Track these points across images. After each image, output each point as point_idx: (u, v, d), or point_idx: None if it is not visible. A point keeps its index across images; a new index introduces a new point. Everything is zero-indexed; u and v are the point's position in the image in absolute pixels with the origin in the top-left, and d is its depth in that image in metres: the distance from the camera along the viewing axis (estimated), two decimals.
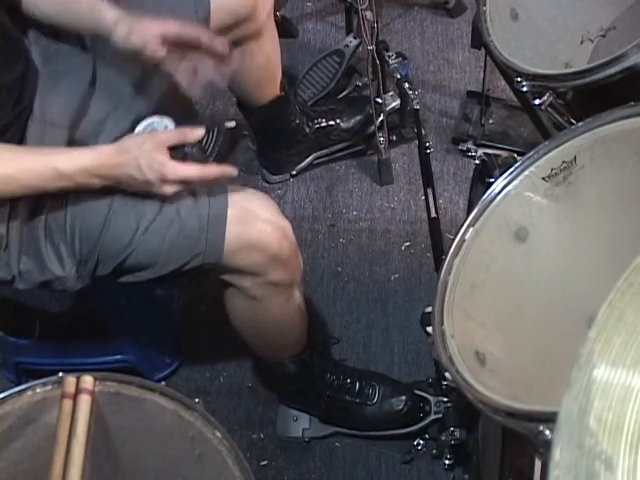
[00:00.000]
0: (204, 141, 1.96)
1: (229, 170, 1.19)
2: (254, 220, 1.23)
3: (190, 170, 1.17)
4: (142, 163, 1.15)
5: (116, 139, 1.21)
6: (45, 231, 1.20)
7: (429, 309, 1.33)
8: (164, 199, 1.20)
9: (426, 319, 1.32)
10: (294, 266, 1.34)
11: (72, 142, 1.27)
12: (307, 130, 1.91)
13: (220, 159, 1.97)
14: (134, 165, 1.15)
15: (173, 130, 1.20)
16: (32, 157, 1.14)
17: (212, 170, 1.19)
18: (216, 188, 1.22)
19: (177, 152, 1.18)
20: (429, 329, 1.31)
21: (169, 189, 1.17)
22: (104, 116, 1.28)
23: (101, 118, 1.28)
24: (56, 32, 1.30)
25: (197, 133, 1.18)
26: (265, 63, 1.69)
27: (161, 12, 1.32)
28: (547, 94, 1.14)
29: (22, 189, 1.13)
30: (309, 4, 2.34)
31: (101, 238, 1.19)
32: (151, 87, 1.33)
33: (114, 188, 1.19)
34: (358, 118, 1.95)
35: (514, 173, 1.09)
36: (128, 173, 1.15)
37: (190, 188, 1.21)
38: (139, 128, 1.22)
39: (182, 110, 1.38)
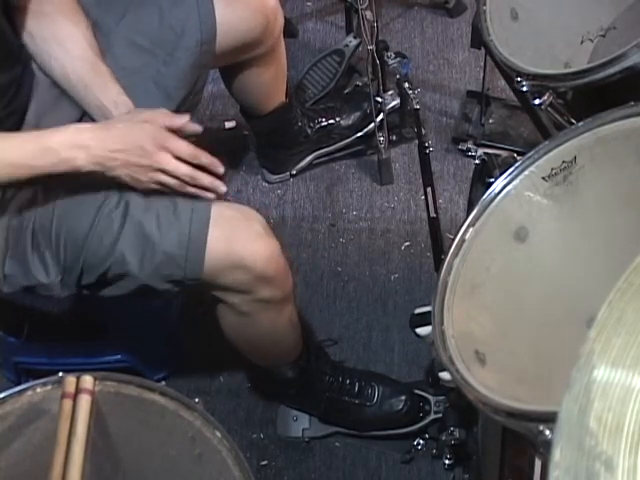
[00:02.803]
0: None
1: (218, 165, 1.16)
2: (238, 240, 1.20)
3: (185, 146, 1.14)
4: (136, 125, 1.12)
5: None
6: (32, 237, 1.19)
7: (418, 310, 1.34)
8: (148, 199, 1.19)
9: (415, 320, 1.33)
10: (283, 283, 1.31)
11: None
12: (309, 131, 1.91)
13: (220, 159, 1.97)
14: (128, 124, 1.12)
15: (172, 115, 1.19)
16: (18, 134, 1.13)
17: (204, 157, 1.16)
18: (199, 203, 1.19)
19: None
20: (418, 330, 1.31)
21: (163, 158, 1.12)
22: None
23: None
24: None
25: (195, 127, 1.18)
26: (273, 78, 1.69)
27: (165, 33, 1.32)
28: (547, 94, 1.14)
29: (6, 169, 1.09)
30: (309, 4, 2.34)
31: (85, 247, 1.17)
32: None
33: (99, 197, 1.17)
34: (357, 114, 1.95)
35: (514, 173, 1.09)
36: (119, 134, 1.11)
37: (179, 181, 1.17)
38: None
39: None
